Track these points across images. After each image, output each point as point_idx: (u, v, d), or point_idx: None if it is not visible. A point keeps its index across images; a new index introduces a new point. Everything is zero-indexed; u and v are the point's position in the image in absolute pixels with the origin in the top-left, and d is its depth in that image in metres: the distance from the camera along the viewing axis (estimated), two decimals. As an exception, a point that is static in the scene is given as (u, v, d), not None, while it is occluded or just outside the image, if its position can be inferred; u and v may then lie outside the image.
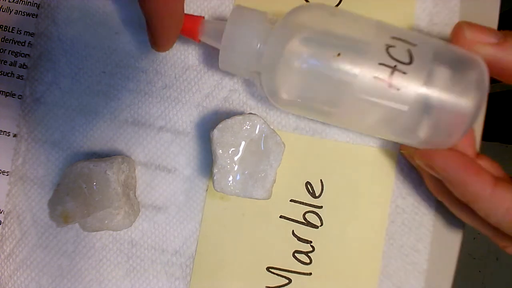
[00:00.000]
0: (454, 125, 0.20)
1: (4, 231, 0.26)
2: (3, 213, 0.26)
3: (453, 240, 0.25)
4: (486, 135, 0.26)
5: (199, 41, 0.23)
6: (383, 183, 0.26)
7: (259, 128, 0.23)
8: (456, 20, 0.25)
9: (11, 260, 0.26)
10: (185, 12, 0.27)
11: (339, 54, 0.20)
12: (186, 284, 0.26)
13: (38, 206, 0.26)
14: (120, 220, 0.24)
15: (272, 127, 0.24)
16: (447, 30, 0.25)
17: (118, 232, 0.26)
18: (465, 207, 0.21)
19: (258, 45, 0.21)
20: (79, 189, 0.23)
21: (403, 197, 0.25)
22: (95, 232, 0.26)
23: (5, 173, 0.27)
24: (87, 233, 0.26)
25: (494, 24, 0.25)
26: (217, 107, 0.26)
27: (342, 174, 0.26)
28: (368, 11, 0.26)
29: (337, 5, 0.26)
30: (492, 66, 0.20)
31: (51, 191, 0.26)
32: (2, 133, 0.27)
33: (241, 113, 0.24)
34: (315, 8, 0.21)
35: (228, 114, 0.26)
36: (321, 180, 0.26)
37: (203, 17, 0.23)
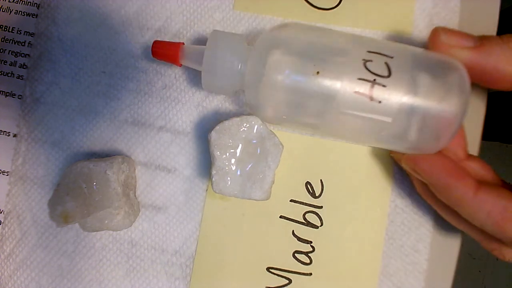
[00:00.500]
0: (440, 130, 0.20)
1: (4, 231, 0.26)
2: (3, 213, 0.27)
3: (453, 240, 0.25)
4: (486, 135, 0.26)
5: (181, 65, 0.24)
6: (382, 183, 0.26)
7: (256, 129, 0.23)
8: (456, 20, 0.25)
9: (11, 260, 0.26)
10: (184, 15, 0.27)
11: (318, 73, 0.20)
12: (186, 284, 0.26)
13: (38, 206, 0.26)
14: (120, 220, 0.24)
15: (271, 128, 0.24)
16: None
17: (118, 232, 0.26)
18: (452, 210, 0.21)
19: (239, 66, 0.22)
20: (79, 189, 0.23)
21: (402, 197, 0.25)
22: (95, 232, 0.26)
23: (5, 173, 0.27)
24: (87, 233, 0.26)
25: (494, 24, 0.25)
26: (216, 107, 0.26)
27: (342, 174, 0.26)
28: (367, 12, 0.26)
29: (337, 5, 0.26)
30: (469, 70, 0.20)
31: (51, 191, 0.26)
32: (2, 133, 0.27)
33: (239, 115, 0.24)
34: (292, 25, 0.22)
35: (228, 114, 0.26)
36: (321, 180, 0.26)
37: (183, 43, 0.23)
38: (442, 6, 0.26)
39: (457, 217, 0.22)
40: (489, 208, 0.19)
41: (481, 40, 0.21)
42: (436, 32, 0.21)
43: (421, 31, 0.25)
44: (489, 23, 0.25)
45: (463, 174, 0.20)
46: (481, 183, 0.20)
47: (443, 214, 0.23)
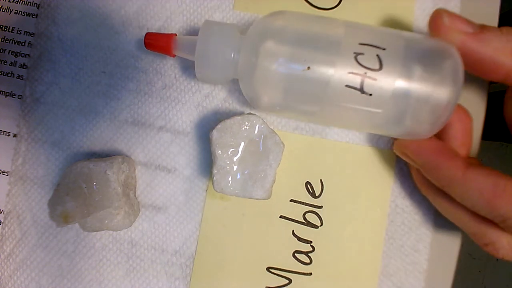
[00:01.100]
0: (433, 118, 0.20)
1: (4, 231, 0.26)
2: (3, 213, 0.26)
3: (453, 240, 0.25)
4: (486, 135, 0.26)
5: (174, 56, 0.24)
6: (382, 183, 0.26)
7: (258, 128, 0.23)
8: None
9: (11, 260, 0.26)
10: (184, 15, 0.27)
11: (308, 68, 0.20)
12: (186, 284, 0.26)
13: (38, 206, 0.26)
14: (120, 220, 0.24)
15: (272, 127, 0.24)
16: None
17: (118, 232, 0.26)
18: (446, 197, 0.22)
19: (232, 54, 0.22)
20: (79, 189, 0.23)
21: (402, 197, 0.25)
22: (95, 232, 0.26)
23: (5, 173, 0.27)
24: (87, 233, 0.26)
25: (494, 24, 0.25)
26: (217, 107, 0.26)
27: (342, 174, 0.26)
28: (367, 12, 0.26)
29: (337, 5, 0.26)
30: (465, 57, 0.20)
31: (51, 191, 0.26)
32: (2, 133, 0.27)
33: (241, 113, 0.24)
34: (285, 14, 0.22)
35: (228, 114, 0.26)
36: (321, 180, 0.26)
37: (175, 34, 0.23)
38: (442, 6, 0.25)
39: (451, 204, 0.22)
40: (480, 186, 0.19)
41: (481, 28, 0.21)
42: (439, 14, 0.21)
43: (421, 31, 0.25)
44: (489, 23, 0.25)
45: (452, 154, 0.21)
46: (470, 163, 0.20)
47: (437, 204, 0.23)
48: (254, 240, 0.26)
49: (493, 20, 0.25)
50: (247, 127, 0.23)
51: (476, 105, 0.25)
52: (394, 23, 0.26)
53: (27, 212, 0.26)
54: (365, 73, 0.20)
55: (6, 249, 0.26)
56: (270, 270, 0.26)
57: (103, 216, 0.23)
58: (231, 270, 0.26)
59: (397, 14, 0.26)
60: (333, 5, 0.26)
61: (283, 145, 0.23)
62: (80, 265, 0.26)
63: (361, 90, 0.20)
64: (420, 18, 0.26)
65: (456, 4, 0.26)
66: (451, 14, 0.21)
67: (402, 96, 0.20)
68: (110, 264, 0.26)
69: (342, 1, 0.26)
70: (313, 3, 0.26)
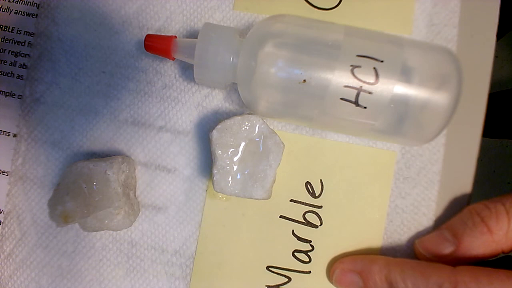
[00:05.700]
0: (428, 127, 0.21)
1: (4, 231, 0.26)
2: (3, 213, 0.27)
3: (453, 240, 0.25)
4: (487, 134, 0.26)
5: (174, 59, 0.24)
6: (382, 183, 0.26)
7: (258, 128, 0.23)
8: (456, 20, 0.25)
9: (11, 260, 0.26)
10: (184, 15, 0.27)
11: (304, 81, 0.20)
12: (186, 284, 0.26)
13: (38, 206, 0.26)
14: (120, 220, 0.24)
15: (272, 127, 0.24)
16: (447, 31, 0.25)
17: (118, 232, 0.26)
18: None
19: (231, 58, 0.22)
20: (79, 189, 0.23)
21: (402, 197, 0.25)
22: (95, 232, 0.26)
23: (5, 173, 0.27)
24: (87, 233, 0.26)
25: (494, 24, 0.25)
26: (217, 107, 0.26)
27: (342, 174, 0.26)
28: (367, 12, 0.26)
29: (337, 5, 0.26)
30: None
31: (51, 191, 0.26)
32: (2, 133, 0.27)
33: (241, 113, 0.24)
34: (284, 18, 0.22)
35: (228, 114, 0.26)
36: (321, 180, 0.26)
37: (175, 37, 0.23)
38: (442, 6, 0.26)
39: None
40: None
41: (457, 237, 0.22)
42: (414, 244, 0.24)
43: (421, 31, 0.25)
44: (489, 23, 0.25)
45: None
46: None
47: None
48: (254, 240, 0.26)
49: (493, 19, 0.25)
50: (247, 127, 0.23)
51: (476, 105, 0.25)
52: (394, 24, 0.26)
53: (27, 212, 0.26)
54: (361, 86, 0.20)
55: (6, 249, 0.26)
56: (270, 269, 0.26)
57: (103, 216, 0.23)
58: (231, 270, 0.26)
59: (397, 14, 0.26)
60: (333, 5, 0.26)
61: (283, 145, 0.23)
62: (80, 265, 0.26)
63: (356, 103, 0.20)
64: (420, 18, 0.26)
65: (456, 4, 0.26)
66: (420, 241, 0.23)
67: (398, 108, 0.20)
68: (110, 264, 0.26)
69: (342, 1, 0.26)
70: (313, 3, 0.26)
